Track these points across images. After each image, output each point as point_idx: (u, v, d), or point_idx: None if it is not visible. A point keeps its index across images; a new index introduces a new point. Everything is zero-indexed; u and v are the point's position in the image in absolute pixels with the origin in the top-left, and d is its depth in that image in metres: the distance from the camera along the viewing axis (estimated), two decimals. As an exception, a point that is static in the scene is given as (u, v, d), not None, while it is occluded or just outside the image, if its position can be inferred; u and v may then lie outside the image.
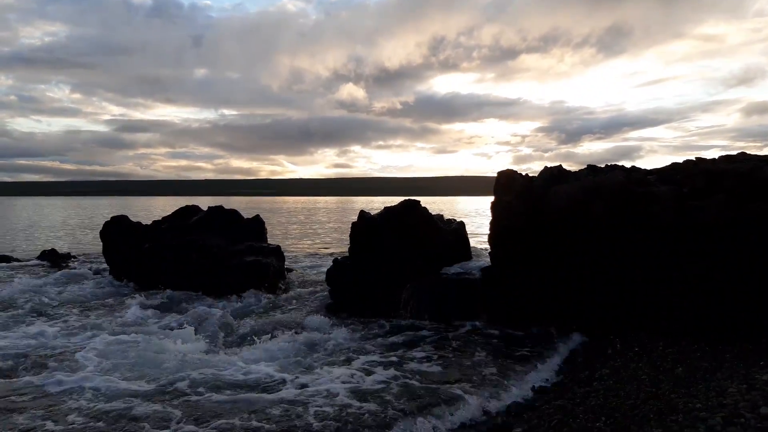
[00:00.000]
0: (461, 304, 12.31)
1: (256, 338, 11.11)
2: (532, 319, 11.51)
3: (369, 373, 9.13)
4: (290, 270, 19.28)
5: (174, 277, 16.35)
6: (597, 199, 11.27)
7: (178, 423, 7.23)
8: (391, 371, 9.20)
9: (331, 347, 10.59)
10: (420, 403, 7.90)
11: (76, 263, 22.23)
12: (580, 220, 11.18)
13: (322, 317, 12.82)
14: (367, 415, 7.54)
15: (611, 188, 11.33)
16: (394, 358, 9.95)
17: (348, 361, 9.79)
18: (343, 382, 8.63)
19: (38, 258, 22.75)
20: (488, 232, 12.73)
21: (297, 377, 8.89)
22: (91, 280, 18.17)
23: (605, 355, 9.53)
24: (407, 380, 8.84)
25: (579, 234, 11.14)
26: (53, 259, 22.35)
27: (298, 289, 16.65)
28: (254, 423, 7.20)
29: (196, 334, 11.32)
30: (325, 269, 15.73)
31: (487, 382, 8.79)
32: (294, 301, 15.05)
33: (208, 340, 11.12)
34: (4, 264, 21.64)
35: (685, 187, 11.13)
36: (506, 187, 12.36)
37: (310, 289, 16.54)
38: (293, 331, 11.64)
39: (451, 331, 11.67)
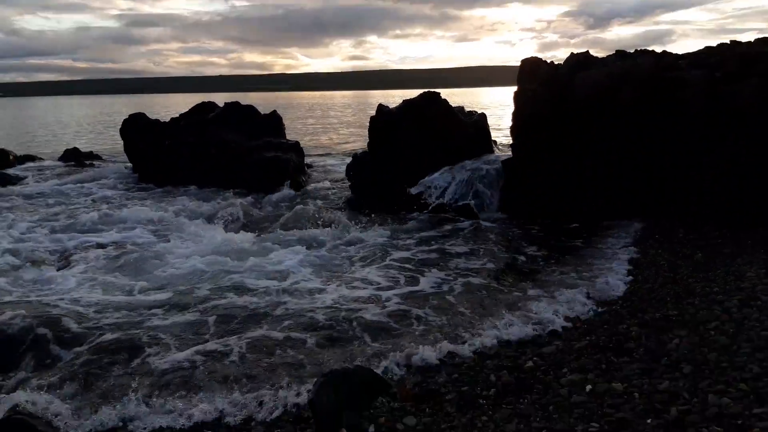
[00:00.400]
0: (483, 196, 12.33)
1: (285, 235, 11.12)
2: (553, 210, 11.55)
3: (413, 273, 8.77)
4: (310, 166, 19.34)
5: (193, 174, 16.53)
6: (625, 85, 10.89)
7: (210, 328, 7.03)
8: (437, 271, 8.83)
9: (363, 244, 10.48)
10: (484, 305, 7.46)
11: (100, 163, 22.49)
12: (607, 107, 10.88)
13: (346, 213, 12.96)
14: (425, 322, 7.04)
15: (640, 74, 10.91)
16: (434, 255, 9.74)
17: (383, 260, 9.51)
18: (386, 285, 8.29)
19: (61, 158, 23.04)
20: (511, 122, 12.51)
21: (335, 280, 8.62)
22: (115, 179, 18.48)
23: (624, 241, 9.63)
24: (456, 280, 8.45)
25: (605, 121, 10.89)
26: (76, 158, 22.61)
27: (319, 185, 16.79)
28: (297, 334, 6.71)
29: (226, 230, 11.56)
30: (345, 165, 15.74)
31: (545, 281, 8.33)
32: (316, 198, 15.22)
33: (238, 236, 11.15)
34: (30, 164, 21.98)
35: (717, 71, 10.67)
36: (530, 75, 11.97)
37: (331, 184, 16.66)
38: (320, 228, 11.61)
39: (478, 223, 11.63)
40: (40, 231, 11.77)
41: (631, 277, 8.06)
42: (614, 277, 8.07)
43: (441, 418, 4.78)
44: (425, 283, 8.41)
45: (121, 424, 5.02)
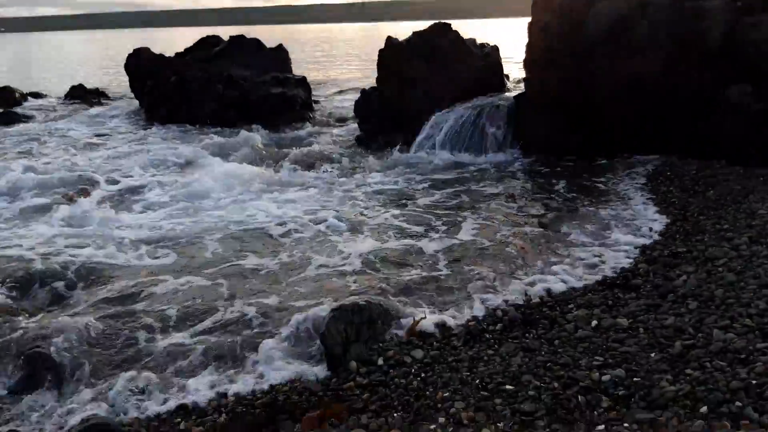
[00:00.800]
0: (496, 134, 12.13)
1: (298, 171, 11.13)
2: (567, 147, 11.40)
3: (444, 219, 8.41)
4: (317, 101, 19.08)
5: (200, 112, 16.36)
6: (642, 16, 10.49)
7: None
8: (470, 215, 8.52)
9: (374, 185, 10.38)
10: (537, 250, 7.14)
11: (107, 101, 22.22)
12: (623, 40, 10.52)
13: (354, 151, 12.85)
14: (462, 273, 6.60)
15: (659, 4, 10.48)
16: (465, 198, 9.44)
17: (402, 204, 9.27)
18: (412, 232, 7.98)
19: (67, 94, 22.83)
20: (524, 56, 12.18)
21: (355, 222, 8.47)
22: (121, 117, 18.33)
23: (636, 178, 9.55)
24: (491, 222, 8.22)
25: (621, 55, 10.56)
26: (82, 95, 22.39)
27: (327, 121, 16.62)
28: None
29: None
30: (353, 101, 15.49)
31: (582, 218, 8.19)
32: (324, 134, 15.09)
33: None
34: (37, 102, 21.83)
35: (739, 1, 10.26)
36: (545, 5, 11.53)
37: (338, 122, 16.49)
38: (331, 166, 11.59)
39: (493, 162, 11.47)
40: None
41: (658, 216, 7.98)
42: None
43: (448, 352, 4.90)
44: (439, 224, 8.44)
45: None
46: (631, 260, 6.62)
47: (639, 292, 5.62)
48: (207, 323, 5.76)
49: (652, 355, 4.32)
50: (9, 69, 42.22)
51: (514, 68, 17.18)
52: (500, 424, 3.76)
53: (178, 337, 5.53)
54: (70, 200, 9.67)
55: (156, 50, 19.45)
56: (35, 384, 4.82)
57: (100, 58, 51.54)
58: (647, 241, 7.07)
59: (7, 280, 6.59)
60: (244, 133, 14.05)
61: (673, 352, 4.28)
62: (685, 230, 7.14)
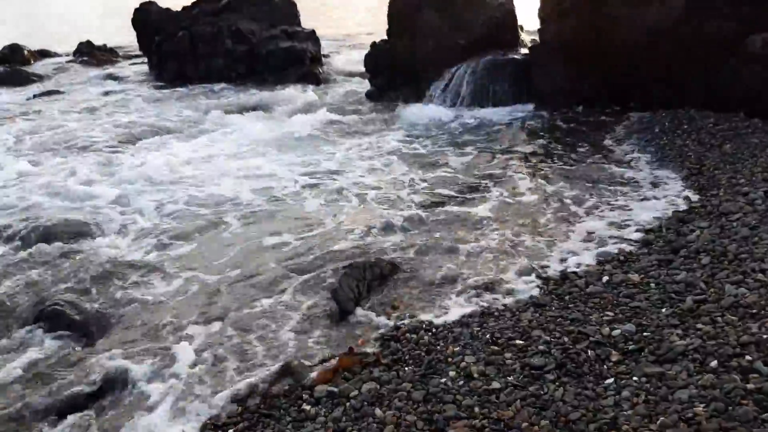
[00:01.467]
0: (510, 88, 11.91)
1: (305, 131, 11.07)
2: (581, 98, 11.19)
3: (458, 180, 8.16)
4: (327, 56, 18.75)
5: (209, 68, 16.16)
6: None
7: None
8: (482, 175, 8.27)
9: (385, 142, 10.28)
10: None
11: (118, 60, 21.78)
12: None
13: (368, 107, 12.74)
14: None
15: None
16: (478, 156, 9.16)
17: (415, 163, 9.09)
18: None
19: (75, 52, 22.60)
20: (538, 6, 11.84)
21: (364, 184, 8.39)
22: (133, 80, 18.04)
23: (652, 132, 9.38)
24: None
25: (639, 3, 10.23)
26: (90, 52, 22.13)
27: (337, 77, 16.38)
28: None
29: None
30: (363, 54, 15.20)
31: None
32: (334, 89, 14.90)
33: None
34: (47, 60, 21.61)
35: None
36: (560, -48, 11.12)
37: (349, 75, 16.24)
38: (338, 124, 11.49)
39: (506, 116, 11.28)
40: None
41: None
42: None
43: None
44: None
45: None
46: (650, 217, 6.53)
47: (650, 248, 5.60)
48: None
49: (663, 310, 4.34)
50: (16, 25, 41.81)
51: (526, 20, 16.68)
52: (510, 378, 3.83)
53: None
54: None
55: (163, 4, 19.12)
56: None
57: (108, 13, 50.82)
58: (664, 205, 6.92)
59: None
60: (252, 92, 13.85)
61: (684, 307, 4.29)
62: (700, 184, 7.05)
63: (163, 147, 10.49)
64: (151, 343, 4.88)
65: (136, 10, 18.73)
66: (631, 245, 5.77)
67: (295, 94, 14.32)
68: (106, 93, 15.76)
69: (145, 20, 18.42)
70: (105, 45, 23.56)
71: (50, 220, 7.18)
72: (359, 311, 5.03)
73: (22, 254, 6.47)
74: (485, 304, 4.94)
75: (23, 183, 8.80)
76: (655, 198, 7.04)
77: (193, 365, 4.52)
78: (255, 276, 5.86)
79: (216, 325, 5.06)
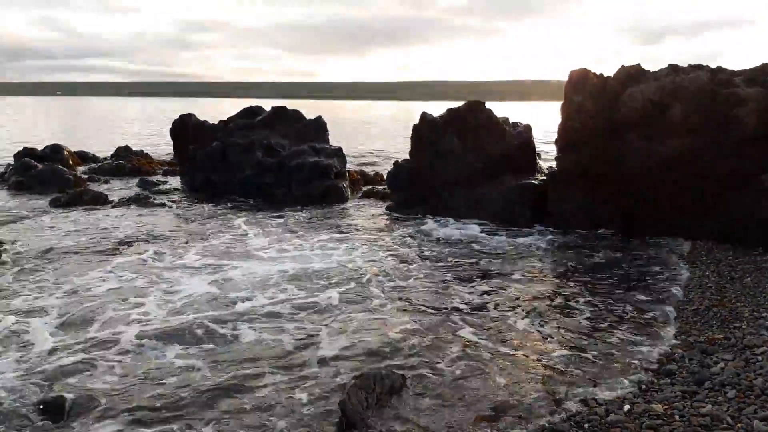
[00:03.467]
0: (526, 211, 12.22)
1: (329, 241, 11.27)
2: (598, 224, 11.34)
3: (471, 297, 8.15)
4: (350, 172, 19.44)
5: (239, 175, 16.80)
6: (676, 101, 10.62)
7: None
8: (496, 296, 8.10)
9: (403, 255, 10.37)
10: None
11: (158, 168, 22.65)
12: (656, 124, 10.63)
13: (388, 221, 13.05)
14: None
15: (692, 90, 10.62)
16: (487, 276, 9.03)
17: (431, 280, 8.90)
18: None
19: (113, 155, 23.80)
20: (556, 135, 12.36)
21: (379, 295, 8.47)
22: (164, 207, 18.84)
23: (671, 262, 9.35)
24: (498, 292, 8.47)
25: (654, 138, 10.64)
26: (127, 157, 23.28)
27: (360, 192, 16.92)
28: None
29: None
30: (386, 170, 15.76)
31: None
32: (358, 205, 15.33)
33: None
34: (92, 165, 22.52)
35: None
36: (578, 87, 11.78)
37: (372, 192, 16.77)
38: (360, 237, 11.62)
39: (522, 239, 11.44)
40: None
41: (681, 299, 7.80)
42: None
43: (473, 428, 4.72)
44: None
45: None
46: (667, 346, 6.37)
47: (674, 378, 5.39)
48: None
49: (689, 444, 4.10)
50: (62, 129, 44.48)
51: (541, 148, 17.31)
52: None
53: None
54: None
55: (202, 117, 20.34)
56: None
57: (147, 123, 54.01)
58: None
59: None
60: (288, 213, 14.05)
61: (711, 442, 4.05)
62: (722, 316, 6.90)
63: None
64: None
65: (175, 121, 19.90)
66: (650, 372, 5.56)
67: (317, 213, 14.64)
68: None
69: (182, 130, 19.51)
70: (141, 150, 24.85)
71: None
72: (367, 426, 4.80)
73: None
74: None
75: None
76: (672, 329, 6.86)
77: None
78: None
79: None
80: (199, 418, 4.99)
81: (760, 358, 5.34)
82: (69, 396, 5.24)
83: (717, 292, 7.78)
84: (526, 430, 4.70)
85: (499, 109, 15.19)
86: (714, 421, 4.35)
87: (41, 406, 5.07)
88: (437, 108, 15.54)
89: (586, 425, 4.62)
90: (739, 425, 4.20)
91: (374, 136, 41.37)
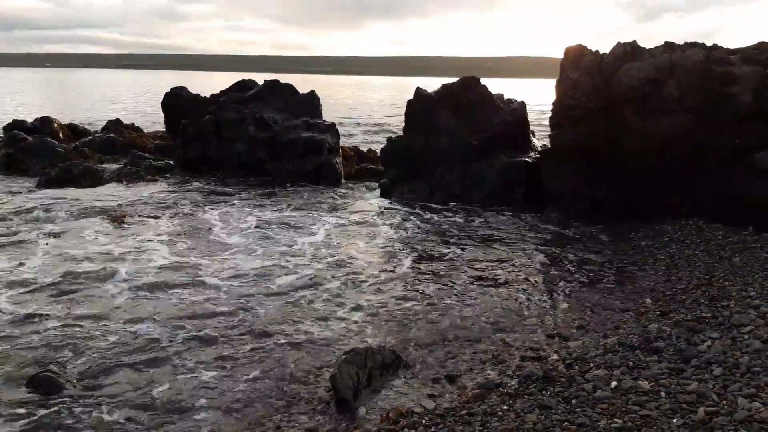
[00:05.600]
0: (521, 189, 12.20)
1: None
2: (591, 202, 11.35)
3: (464, 273, 8.40)
4: (343, 148, 19.31)
5: (230, 149, 16.65)
6: (671, 78, 10.58)
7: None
8: (492, 270, 8.68)
9: (395, 233, 10.44)
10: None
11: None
12: (651, 101, 10.59)
13: (380, 200, 13.01)
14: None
15: (687, 67, 10.57)
16: (487, 253, 9.24)
17: (423, 257, 9.09)
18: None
19: (104, 128, 23.49)
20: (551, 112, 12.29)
21: (370, 274, 8.58)
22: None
23: (662, 241, 9.40)
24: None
25: (649, 115, 10.61)
26: (118, 130, 22.96)
27: (353, 167, 16.84)
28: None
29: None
30: (380, 146, 15.68)
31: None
32: (352, 184, 15.28)
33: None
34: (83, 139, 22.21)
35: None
36: (573, 64, 11.69)
37: (367, 170, 16.69)
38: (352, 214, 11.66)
39: (517, 218, 11.51)
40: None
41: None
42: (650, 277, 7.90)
43: (460, 405, 4.77)
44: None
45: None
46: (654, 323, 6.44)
47: (661, 355, 5.44)
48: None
49: (674, 420, 4.15)
50: (53, 102, 43.91)
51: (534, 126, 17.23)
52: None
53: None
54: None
55: (193, 91, 20.06)
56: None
57: (138, 95, 53.37)
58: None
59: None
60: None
61: (696, 418, 4.11)
62: (710, 295, 6.96)
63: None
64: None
65: (167, 94, 19.64)
66: (638, 350, 5.61)
67: (311, 190, 14.56)
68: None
69: (174, 103, 19.26)
70: (132, 123, 24.54)
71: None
72: (357, 401, 4.85)
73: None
74: (488, 405, 4.75)
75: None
76: (659, 302, 6.92)
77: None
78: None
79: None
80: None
81: (746, 336, 5.39)
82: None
83: (706, 271, 7.84)
84: (517, 406, 4.76)
85: (495, 85, 15.09)
86: (700, 398, 4.40)
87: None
88: (433, 84, 15.41)
89: (574, 401, 4.67)
90: (725, 402, 4.26)
91: (368, 110, 41.06)
